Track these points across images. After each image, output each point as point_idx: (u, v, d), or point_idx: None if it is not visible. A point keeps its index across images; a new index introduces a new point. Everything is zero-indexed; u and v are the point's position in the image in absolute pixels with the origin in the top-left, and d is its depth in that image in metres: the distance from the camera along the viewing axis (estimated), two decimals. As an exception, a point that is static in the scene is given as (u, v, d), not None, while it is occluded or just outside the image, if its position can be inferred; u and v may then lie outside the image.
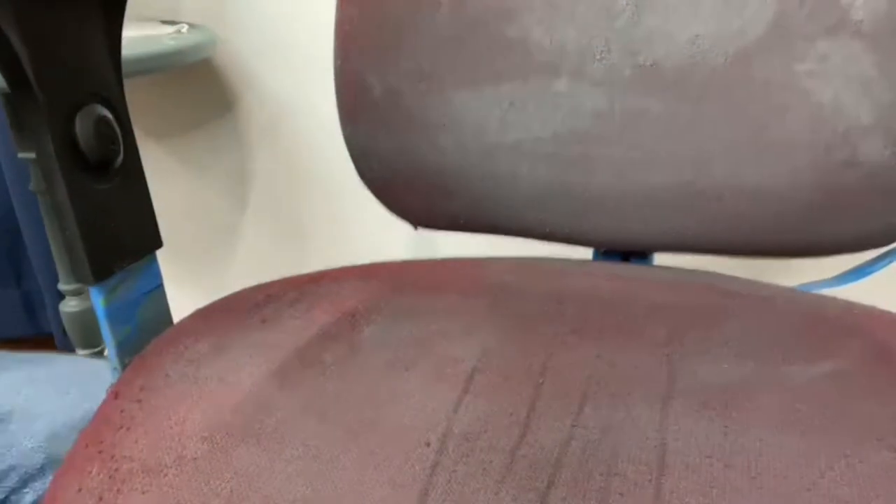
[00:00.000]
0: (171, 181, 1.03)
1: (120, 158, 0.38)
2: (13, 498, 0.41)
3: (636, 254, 0.57)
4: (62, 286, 0.93)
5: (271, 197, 0.98)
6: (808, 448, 0.31)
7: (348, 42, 0.52)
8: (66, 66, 0.35)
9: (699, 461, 0.31)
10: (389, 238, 0.94)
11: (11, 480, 0.41)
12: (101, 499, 0.30)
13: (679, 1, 0.46)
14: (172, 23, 0.83)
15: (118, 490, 0.30)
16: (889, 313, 0.42)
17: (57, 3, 0.35)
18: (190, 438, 0.32)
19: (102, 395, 0.42)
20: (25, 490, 0.41)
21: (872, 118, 0.43)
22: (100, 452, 0.32)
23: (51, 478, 0.41)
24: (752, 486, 0.29)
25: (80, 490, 0.30)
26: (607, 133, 0.49)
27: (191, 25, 0.81)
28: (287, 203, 0.98)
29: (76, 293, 0.94)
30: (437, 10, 0.49)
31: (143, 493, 0.30)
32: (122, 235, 0.39)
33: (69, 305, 0.94)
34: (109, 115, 0.38)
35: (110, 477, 0.31)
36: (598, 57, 0.48)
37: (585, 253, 0.59)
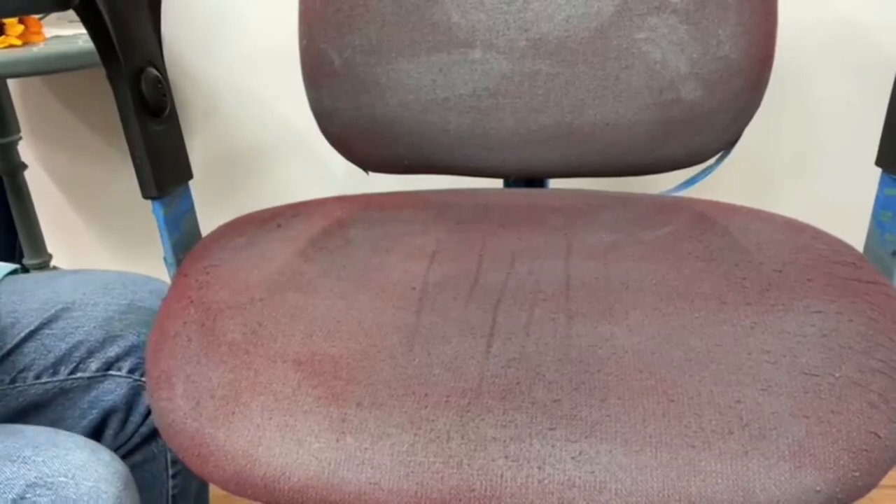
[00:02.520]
0: (116, 167, 1.13)
1: (168, 108, 0.52)
2: (81, 365, 0.53)
3: (535, 183, 0.76)
4: (27, 261, 1.01)
5: (210, 174, 1.10)
6: (655, 267, 0.50)
7: (312, 25, 0.67)
8: (133, 42, 0.49)
9: (591, 282, 0.49)
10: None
11: (80, 352, 0.53)
12: (203, 325, 0.44)
13: (556, -9, 0.65)
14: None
15: (214, 319, 0.45)
16: (705, 200, 0.62)
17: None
18: (254, 290, 0.47)
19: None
20: (91, 360, 0.54)
21: (688, 69, 0.63)
22: (191, 302, 0.47)
23: (110, 349, 0.54)
24: (622, 290, 0.47)
25: (185, 322, 0.45)
26: (511, 89, 0.67)
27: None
28: (224, 177, 1.09)
29: (40, 268, 1.03)
30: (381, -1, 0.66)
31: (232, 318, 0.45)
32: (171, 164, 0.53)
33: (33, 279, 1.02)
34: (160, 76, 0.52)
35: (205, 313, 0.45)
36: (500, 33, 0.66)
37: (497, 184, 0.77)
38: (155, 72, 0.51)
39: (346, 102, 0.69)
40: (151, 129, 0.51)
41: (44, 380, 0.52)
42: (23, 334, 0.52)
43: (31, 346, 0.53)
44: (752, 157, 0.96)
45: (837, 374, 0.36)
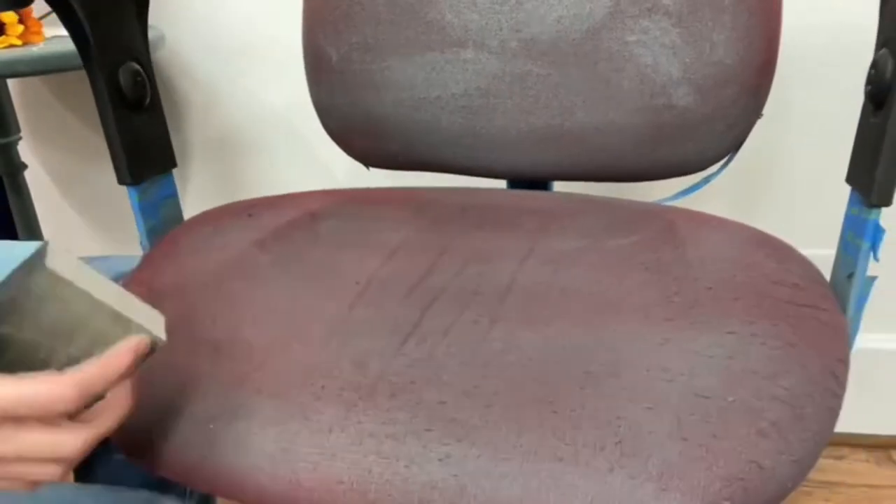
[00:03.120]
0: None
1: (148, 99, 0.55)
2: None
3: (538, 185, 0.75)
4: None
5: (208, 170, 1.11)
6: (601, 276, 0.49)
7: (313, 22, 0.69)
8: (112, 36, 0.53)
9: (532, 287, 0.49)
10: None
11: None
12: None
13: (551, -9, 0.64)
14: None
15: (157, 298, 0.47)
16: (685, 209, 0.59)
17: (106, -7, 0.52)
18: (200, 275, 0.50)
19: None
20: None
21: (680, 73, 0.61)
22: (142, 284, 0.49)
23: None
24: (558, 297, 0.47)
25: (132, 302, 0.48)
26: (502, 89, 0.66)
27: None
28: (222, 174, 1.11)
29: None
30: (375, -2, 0.67)
31: (170, 302, 0.47)
32: (149, 153, 0.56)
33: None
34: (140, 69, 0.55)
35: (150, 293, 0.48)
36: (493, 33, 0.65)
37: (502, 184, 0.77)
38: (135, 65, 0.54)
39: (344, 99, 0.70)
40: (130, 120, 0.54)
41: None
42: None
43: None
44: (760, 167, 0.90)
45: (731, 399, 0.35)
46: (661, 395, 0.36)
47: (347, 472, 0.35)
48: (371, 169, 0.76)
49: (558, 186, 0.77)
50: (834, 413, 0.36)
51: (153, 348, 0.35)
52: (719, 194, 0.89)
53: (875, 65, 0.41)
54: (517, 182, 0.76)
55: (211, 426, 0.38)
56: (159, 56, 1.02)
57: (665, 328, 0.40)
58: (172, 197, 0.59)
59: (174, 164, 0.59)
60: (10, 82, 1.01)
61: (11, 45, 0.76)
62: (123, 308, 0.34)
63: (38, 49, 0.75)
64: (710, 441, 0.33)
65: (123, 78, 0.53)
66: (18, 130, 0.97)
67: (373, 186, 0.71)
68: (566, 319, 0.43)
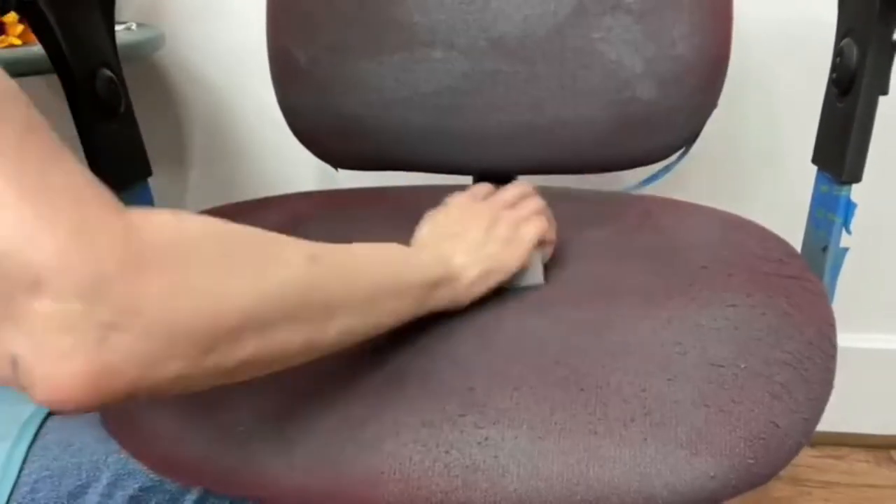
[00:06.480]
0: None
1: (122, 106, 0.54)
2: None
3: (503, 180, 0.77)
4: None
5: (209, 170, 1.10)
6: (593, 264, 0.51)
7: (278, 24, 0.69)
8: (85, 44, 0.51)
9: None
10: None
11: None
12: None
13: (515, -9, 0.66)
14: (121, 22, 0.95)
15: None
16: (657, 196, 0.63)
17: (76, 3, 0.51)
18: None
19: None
20: None
21: (643, 68, 0.64)
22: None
23: None
24: (557, 286, 0.48)
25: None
26: (472, 87, 0.68)
27: (138, 24, 0.94)
28: (223, 174, 1.10)
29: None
30: (343, -1, 0.67)
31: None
32: (128, 161, 0.55)
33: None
34: (112, 75, 0.53)
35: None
36: (461, 32, 0.67)
37: (466, 181, 0.78)
38: (108, 72, 0.53)
39: (313, 100, 0.70)
40: (106, 128, 0.52)
41: None
42: None
43: None
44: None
45: (743, 365, 0.37)
46: (678, 367, 0.38)
47: (388, 461, 0.36)
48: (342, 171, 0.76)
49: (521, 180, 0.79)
50: (831, 373, 0.39)
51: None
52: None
53: (840, 53, 0.45)
54: (484, 178, 0.78)
55: (240, 429, 0.38)
56: (159, 56, 0.99)
57: (669, 307, 0.43)
58: (150, 205, 0.58)
59: (150, 172, 0.58)
60: (11, 82, 0.97)
61: (11, 45, 0.72)
62: None
63: (38, 49, 0.71)
64: (731, 406, 0.36)
65: (99, 84, 0.51)
66: None
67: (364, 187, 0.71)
68: (570, 305, 0.45)
